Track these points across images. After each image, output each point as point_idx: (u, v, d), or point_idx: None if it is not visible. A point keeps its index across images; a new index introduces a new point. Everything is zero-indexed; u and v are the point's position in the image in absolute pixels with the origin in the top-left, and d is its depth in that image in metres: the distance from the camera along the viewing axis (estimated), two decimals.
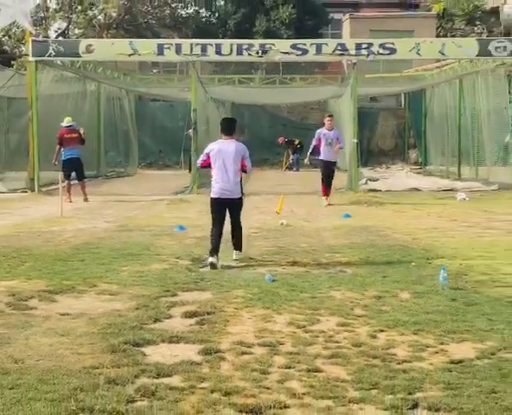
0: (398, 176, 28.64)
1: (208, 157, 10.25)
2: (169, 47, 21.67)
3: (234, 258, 10.24)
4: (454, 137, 27.76)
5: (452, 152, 28.13)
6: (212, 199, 10.31)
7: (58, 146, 19.18)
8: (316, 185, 23.95)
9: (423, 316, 6.98)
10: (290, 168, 33.53)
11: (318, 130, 18.49)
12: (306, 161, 19.52)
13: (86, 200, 19.01)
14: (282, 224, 14.18)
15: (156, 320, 6.86)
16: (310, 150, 18.95)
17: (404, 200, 19.16)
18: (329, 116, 18.93)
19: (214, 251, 9.88)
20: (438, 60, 28.35)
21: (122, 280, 8.74)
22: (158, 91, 32.16)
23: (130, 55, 21.73)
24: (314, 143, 18.41)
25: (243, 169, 10.30)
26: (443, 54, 21.94)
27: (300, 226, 14.08)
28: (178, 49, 21.56)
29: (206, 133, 24.08)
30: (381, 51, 21.33)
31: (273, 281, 8.65)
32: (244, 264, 9.99)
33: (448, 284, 8.33)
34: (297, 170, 32.88)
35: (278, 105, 37.15)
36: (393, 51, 21.39)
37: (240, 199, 10.37)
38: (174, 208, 17.68)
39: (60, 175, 17.61)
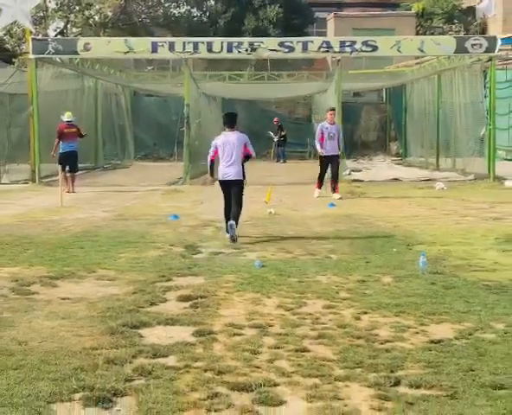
0: (380, 167, 28.67)
1: (216, 149, 11.26)
2: (162, 45, 21.58)
3: (230, 223, 10.98)
4: (433, 130, 27.78)
5: (431, 144, 28.15)
6: (219, 181, 11.47)
7: (57, 140, 19.08)
8: (304, 176, 24.03)
9: (404, 298, 7.01)
10: (277, 159, 33.59)
11: (320, 125, 17.55)
12: (321, 150, 17.18)
13: (70, 191, 18.54)
14: (270, 213, 14.18)
15: (152, 303, 6.86)
16: (318, 146, 17.21)
17: (386, 189, 19.20)
18: (332, 109, 17.78)
19: (228, 221, 11.11)
20: (418, 57, 28.35)
21: (119, 266, 8.73)
22: (152, 87, 32.07)
23: (125, 53, 21.66)
24: (318, 138, 17.13)
25: (248, 155, 11.28)
26: (422, 51, 21.99)
27: (288, 215, 14.08)
28: (171, 47, 21.48)
29: (198, 127, 24.04)
30: (364, 48, 21.31)
31: (262, 267, 8.66)
32: (235, 250, 9.99)
33: (427, 269, 8.36)
34: (285, 162, 32.94)
35: (267, 100, 37.13)
36: (375, 48, 21.37)
37: (242, 181, 11.32)
38: (168, 198, 17.65)
39: (59, 167, 17.57)
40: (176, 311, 6.56)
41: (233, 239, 10.65)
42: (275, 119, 34.36)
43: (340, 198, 16.55)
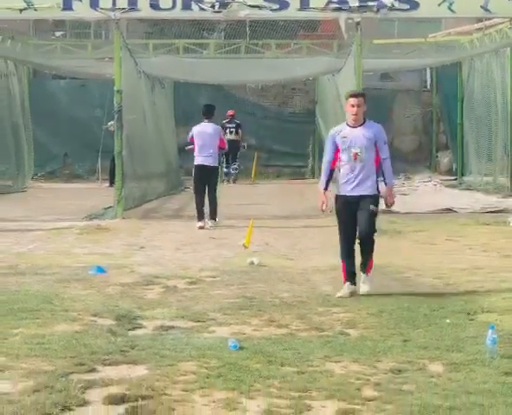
0: (423, 191, 28.92)
1: (193, 138, 20.05)
2: None
3: (210, 225, 19.63)
4: (505, 134, 28.00)
5: (502, 156, 28.36)
6: (195, 166, 20.10)
7: None
8: (301, 204, 24.14)
9: (463, 397, 7.03)
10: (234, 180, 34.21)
11: (332, 132, 12.03)
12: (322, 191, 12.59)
13: None
14: (252, 263, 14.21)
15: (65, 408, 6.81)
16: (324, 178, 11.97)
17: (432, 226, 19.30)
18: (356, 94, 13.61)
19: (200, 216, 19.76)
20: (480, 20, 28.68)
21: (12, 349, 8.68)
22: (63, 63, 32.12)
23: (21, 11, 21.72)
24: (327, 160, 11.93)
25: (221, 147, 20.37)
26: (487, 10, 22.21)
27: (279, 267, 14.10)
28: (94, 1, 21.57)
29: (139, 127, 24.06)
30: (397, 5, 21.56)
31: (240, 349, 8.66)
32: (196, 323, 9.99)
33: (499, 351, 8.40)
34: (234, 182, 33.67)
35: (243, 86, 37.34)
36: (414, 5, 21.61)
37: (216, 168, 20.29)
38: (88, 240, 17.64)
39: None
40: None
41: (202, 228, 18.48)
42: (229, 112, 34.58)
43: (366, 292, 11.72)
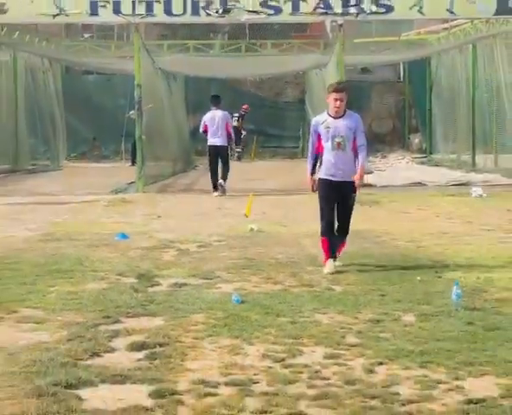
0: (397, 168, 28.89)
1: (206, 125, 21.20)
2: (104, 6, 21.61)
3: (219, 183, 20.94)
4: (467, 118, 27.96)
5: (465, 136, 28.33)
6: (208, 146, 21.44)
7: None
8: (294, 180, 24.09)
9: (432, 343, 7.02)
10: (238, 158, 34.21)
11: (314, 120, 11.75)
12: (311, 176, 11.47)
13: None
14: (252, 229, 14.20)
15: (94, 354, 6.81)
16: (309, 165, 11.39)
17: (405, 197, 19.29)
18: (337, 89, 12.44)
19: (215, 187, 20.99)
20: (446, 21, 28.56)
21: (49, 304, 8.68)
22: (91, 61, 32.05)
23: (55, 16, 21.65)
24: (312, 146, 11.34)
25: (228, 132, 21.34)
26: (452, 12, 22.15)
27: (275, 232, 14.11)
28: (117, 8, 21.52)
29: (156, 115, 24.03)
30: (375, 9, 21.51)
31: (242, 302, 8.65)
32: (205, 280, 9.99)
33: (463, 304, 8.38)
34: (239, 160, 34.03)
35: (244, 79, 37.28)
36: (389, 9, 21.55)
37: (226, 146, 21.46)
38: (114, 211, 17.62)
39: None
40: (126, 364, 6.53)
41: (223, 193, 20.62)
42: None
43: (329, 272, 10.51)
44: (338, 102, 10.56)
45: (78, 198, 20.18)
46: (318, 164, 11.01)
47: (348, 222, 10.94)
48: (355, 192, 10.83)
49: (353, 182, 10.70)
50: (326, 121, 10.69)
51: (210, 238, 13.49)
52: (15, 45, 27.41)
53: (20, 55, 29.21)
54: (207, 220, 15.99)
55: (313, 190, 11.12)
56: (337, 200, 10.79)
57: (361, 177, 10.82)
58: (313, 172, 11.04)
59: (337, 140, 10.61)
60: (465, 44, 27.74)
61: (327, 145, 10.69)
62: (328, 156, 10.72)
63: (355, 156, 10.80)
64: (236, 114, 34.25)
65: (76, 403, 5.61)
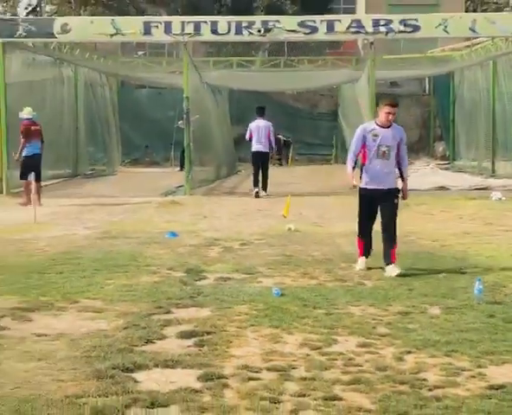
0: (422, 173, 28.63)
1: (251, 132, 21.59)
2: (157, 26, 21.73)
3: (262, 194, 21.17)
4: (487, 127, 27.75)
5: (486, 145, 28.13)
6: (252, 152, 21.83)
7: (23, 140, 19.02)
8: (328, 184, 24.08)
9: (456, 334, 6.98)
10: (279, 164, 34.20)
11: (362, 127, 10.92)
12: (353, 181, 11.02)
13: (36, 204, 16.99)
14: (289, 229, 14.20)
15: (148, 341, 6.85)
16: (350, 168, 10.89)
17: (430, 200, 19.16)
18: (391, 103, 10.74)
19: (256, 185, 21.37)
20: (468, 39, 28.35)
21: (107, 295, 8.75)
22: (144, 76, 32.21)
23: (112, 35, 21.80)
24: (353, 150, 10.83)
25: (270, 139, 21.68)
26: (474, 31, 21.95)
27: (311, 232, 14.09)
28: (168, 28, 21.62)
29: (202, 124, 24.11)
30: (403, 28, 21.38)
31: (281, 295, 8.65)
32: (247, 275, 10.00)
33: (484, 298, 8.33)
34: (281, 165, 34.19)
35: (282, 92, 37.26)
36: (416, 28, 21.41)
37: (267, 153, 21.82)
38: (164, 212, 17.70)
39: (32, 175, 17.49)
40: (177, 350, 6.56)
41: (257, 196, 20.94)
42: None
43: (398, 274, 9.98)
44: (391, 116, 10.27)
45: (132, 200, 20.27)
46: (359, 171, 10.65)
47: (392, 227, 10.44)
48: (396, 198, 10.52)
49: (394, 189, 10.48)
50: (374, 129, 10.39)
51: (252, 236, 13.50)
52: (76, 61, 27.66)
53: (80, 71, 29.45)
54: (248, 221, 16.01)
55: (354, 185, 10.65)
56: (379, 206, 10.48)
57: (406, 190, 10.80)
58: (353, 168, 10.61)
59: (383, 149, 10.32)
60: (486, 60, 27.49)
61: (371, 153, 10.37)
62: (372, 164, 10.39)
63: (396, 164, 10.57)
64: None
65: (132, 385, 5.66)
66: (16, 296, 8.67)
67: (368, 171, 10.44)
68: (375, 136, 10.34)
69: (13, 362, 6.22)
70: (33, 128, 19.11)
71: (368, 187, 10.45)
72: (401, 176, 10.70)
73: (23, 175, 18.90)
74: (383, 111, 10.32)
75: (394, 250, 10.37)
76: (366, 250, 10.62)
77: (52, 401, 5.28)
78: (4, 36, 21.48)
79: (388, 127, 10.37)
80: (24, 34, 21.50)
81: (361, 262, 10.54)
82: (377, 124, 10.42)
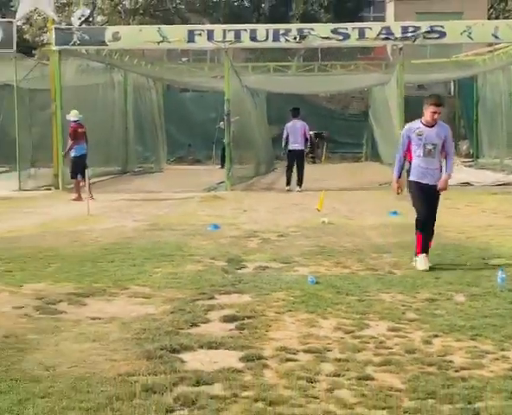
0: None
1: (288, 132, 21.56)
2: (200, 34, 21.75)
3: (297, 190, 21.13)
4: (509, 128, 27.49)
5: (507, 143, 27.87)
6: (288, 150, 21.68)
7: (71, 142, 19.23)
8: (359, 180, 24.00)
9: (480, 320, 6.93)
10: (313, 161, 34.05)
11: (407, 127, 10.47)
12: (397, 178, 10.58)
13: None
14: (324, 222, 14.16)
15: (193, 324, 6.89)
16: (396, 171, 10.46)
17: (455, 195, 18.94)
18: (435, 102, 10.15)
19: (288, 182, 21.66)
20: (491, 44, 28.06)
21: (155, 282, 8.81)
22: (188, 80, 32.30)
23: (159, 43, 21.90)
24: (403, 149, 10.25)
25: (306, 137, 21.80)
26: (497, 37, 21.71)
27: (343, 224, 14.05)
28: (210, 36, 21.63)
29: (242, 125, 24.12)
30: (430, 35, 21.19)
31: (316, 283, 8.64)
32: (284, 264, 10.00)
33: (507, 286, 8.27)
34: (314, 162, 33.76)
35: (317, 94, 37.18)
36: (442, 35, 21.22)
37: (303, 150, 21.95)
38: (206, 206, 17.75)
39: (87, 171, 17.66)
40: (220, 333, 6.58)
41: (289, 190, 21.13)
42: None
43: (425, 270, 9.58)
44: (436, 115, 9.82)
45: (176, 195, 20.35)
46: (406, 169, 10.21)
47: (434, 221, 10.11)
48: (440, 194, 10.11)
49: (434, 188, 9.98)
50: (419, 129, 9.92)
51: (288, 229, 13.49)
52: (125, 67, 27.82)
53: (130, 76, 29.60)
54: (285, 214, 15.99)
55: (397, 193, 10.36)
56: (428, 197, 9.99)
57: (446, 183, 9.99)
58: (399, 176, 10.23)
59: (428, 147, 9.86)
60: (508, 65, 27.20)
61: (418, 152, 9.93)
62: (418, 161, 9.94)
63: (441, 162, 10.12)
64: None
65: (179, 364, 5.70)
66: (71, 283, 8.77)
67: (415, 168, 10.00)
68: (420, 135, 9.92)
69: (69, 343, 6.29)
70: (80, 130, 19.34)
71: (417, 181, 9.98)
72: (446, 170, 10.10)
73: (74, 174, 19.13)
74: (428, 111, 9.88)
75: (431, 243, 10.08)
76: (425, 244, 9.87)
77: (105, 379, 5.34)
78: (60, 44, 21.65)
79: (433, 126, 9.92)
80: (78, 42, 21.65)
81: (424, 261, 9.68)
82: (422, 123, 9.98)
